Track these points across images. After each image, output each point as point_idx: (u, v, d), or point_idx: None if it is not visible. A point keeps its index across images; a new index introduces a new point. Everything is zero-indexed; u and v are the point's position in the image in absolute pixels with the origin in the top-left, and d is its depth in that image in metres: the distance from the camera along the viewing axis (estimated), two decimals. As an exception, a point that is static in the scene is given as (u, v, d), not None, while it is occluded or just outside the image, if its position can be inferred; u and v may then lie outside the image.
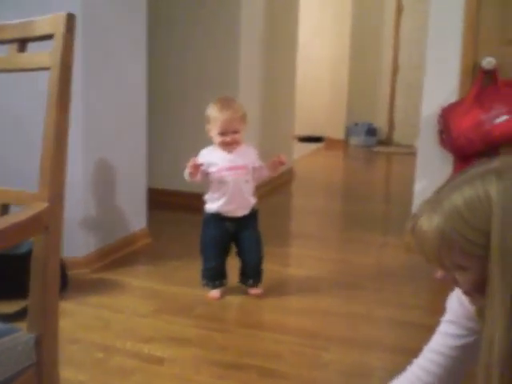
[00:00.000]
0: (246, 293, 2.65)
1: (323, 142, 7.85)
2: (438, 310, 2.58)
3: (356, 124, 7.80)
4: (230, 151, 2.51)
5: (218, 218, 2.56)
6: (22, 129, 2.78)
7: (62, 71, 1.04)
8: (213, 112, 2.48)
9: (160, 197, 4.02)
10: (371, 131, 7.78)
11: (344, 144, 7.78)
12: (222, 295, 2.61)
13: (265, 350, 2.14)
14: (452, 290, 1.41)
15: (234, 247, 2.67)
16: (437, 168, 3.39)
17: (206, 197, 2.60)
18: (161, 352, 2.08)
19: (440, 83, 3.32)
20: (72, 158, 2.72)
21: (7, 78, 2.39)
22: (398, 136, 7.79)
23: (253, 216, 2.64)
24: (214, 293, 2.60)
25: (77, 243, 2.84)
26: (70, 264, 2.72)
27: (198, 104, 4.14)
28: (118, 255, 3.08)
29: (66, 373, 1.90)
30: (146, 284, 2.78)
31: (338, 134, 7.77)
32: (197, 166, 2.45)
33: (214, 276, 2.61)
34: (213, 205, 2.56)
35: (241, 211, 2.57)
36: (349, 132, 7.84)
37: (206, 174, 2.52)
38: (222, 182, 2.51)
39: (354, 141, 7.80)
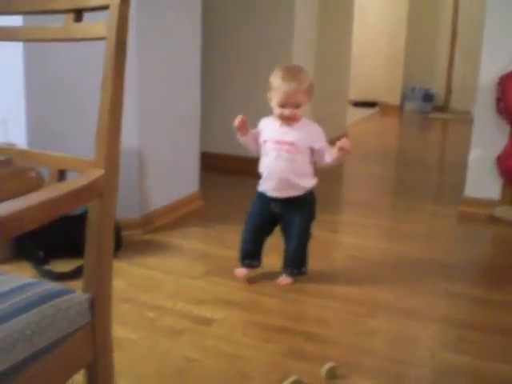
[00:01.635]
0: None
1: (378, 107, 7.75)
2: (486, 282, 2.60)
3: (412, 89, 7.66)
4: (288, 124, 2.32)
5: (264, 196, 2.40)
6: (78, 98, 2.84)
7: (118, 42, 1.07)
8: (275, 80, 2.26)
9: (213, 161, 4.06)
10: (428, 97, 7.64)
11: (399, 110, 7.67)
12: (250, 276, 2.46)
13: (311, 316, 2.17)
14: None
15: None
16: (493, 137, 3.33)
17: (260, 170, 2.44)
18: (210, 313, 2.13)
19: (499, 50, 3.23)
20: (127, 123, 2.79)
21: (63, 47, 2.44)
22: (455, 102, 7.63)
23: (303, 200, 2.39)
24: (239, 271, 2.47)
25: (131, 205, 2.91)
26: (124, 225, 2.78)
27: (253, 68, 4.16)
28: (171, 217, 3.15)
29: (117, 331, 1.95)
30: (197, 246, 2.84)
31: (394, 99, 7.66)
32: (244, 122, 2.30)
33: (246, 254, 2.47)
34: (261, 183, 2.41)
35: (285, 192, 2.36)
36: (404, 97, 7.72)
37: (257, 142, 2.39)
38: (265, 154, 2.35)
39: (410, 106, 7.68)
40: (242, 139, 2.38)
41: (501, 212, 3.32)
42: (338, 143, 2.25)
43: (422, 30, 7.56)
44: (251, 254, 2.46)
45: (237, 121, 2.30)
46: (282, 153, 2.30)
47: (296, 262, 2.42)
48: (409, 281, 2.52)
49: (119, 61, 1.07)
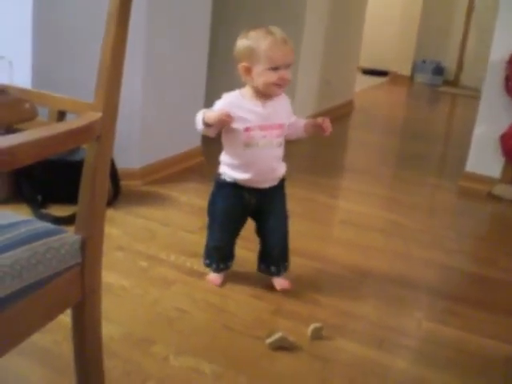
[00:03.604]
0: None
1: (388, 76, 7.69)
2: (480, 257, 2.61)
3: (424, 61, 7.59)
4: (265, 101, 1.90)
5: (234, 186, 1.98)
6: (86, 44, 2.81)
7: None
8: (261, 42, 1.83)
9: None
10: (439, 70, 7.57)
11: (409, 81, 7.62)
12: (224, 282, 2.10)
13: (301, 277, 2.19)
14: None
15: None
16: (498, 114, 3.32)
17: (222, 158, 2.02)
18: (202, 267, 2.15)
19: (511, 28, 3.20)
20: (132, 75, 2.79)
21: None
22: (465, 78, 7.57)
23: (281, 186, 2.04)
24: (215, 277, 2.09)
25: (132, 155, 2.92)
26: (124, 175, 2.79)
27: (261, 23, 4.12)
28: (171, 171, 3.15)
29: (109, 278, 2.01)
30: (195, 201, 2.85)
31: (404, 69, 7.60)
32: (228, 119, 1.84)
33: (219, 257, 2.08)
34: (232, 172, 1.97)
35: (268, 183, 1.99)
36: (415, 69, 7.65)
37: (228, 130, 1.91)
38: (249, 145, 1.90)
39: (420, 78, 7.62)
40: (206, 130, 1.93)
41: (500, 190, 3.32)
42: (320, 119, 1.92)
43: (438, 2, 7.45)
44: (226, 256, 2.10)
45: (224, 116, 1.84)
46: (272, 139, 1.92)
47: (285, 258, 2.09)
48: (402, 250, 2.53)
49: (123, 4, 1.06)
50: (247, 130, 1.88)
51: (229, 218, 2.02)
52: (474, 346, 1.88)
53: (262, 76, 1.84)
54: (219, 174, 2.02)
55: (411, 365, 1.75)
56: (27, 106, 0.87)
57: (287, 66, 1.86)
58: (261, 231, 2.07)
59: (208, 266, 2.09)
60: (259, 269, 2.11)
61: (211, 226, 2.07)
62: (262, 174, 1.95)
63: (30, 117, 0.89)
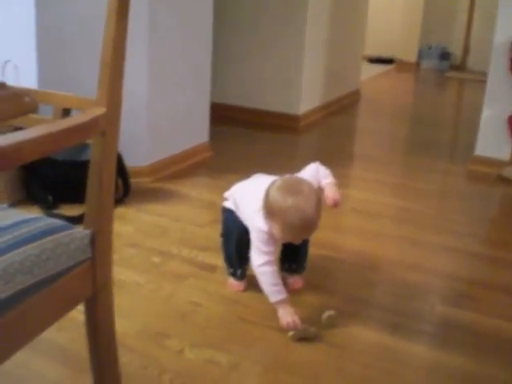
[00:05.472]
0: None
1: (394, 63, 7.66)
2: (492, 240, 2.61)
3: (429, 47, 7.55)
4: None
5: None
6: (85, 42, 2.82)
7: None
8: (285, 213, 1.72)
9: (224, 112, 4.05)
10: (445, 55, 7.52)
11: (415, 67, 7.57)
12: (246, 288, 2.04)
13: (313, 266, 2.19)
14: None
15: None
16: (505, 97, 3.30)
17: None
18: (214, 260, 2.16)
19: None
20: (138, 71, 2.80)
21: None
22: (472, 62, 7.51)
23: None
24: (237, 284, 2.04)
25: (141, 153, 2.93)
26: (133, 172, 2.80)
27: (266, 22, 4.12)
28: (180, 167, 3.16)
29: (123, 274, 2.02)
30: (205, 196, 2.86)
31: (410, 56, 7.56)
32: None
33: (239, 265, 2.02)
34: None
35: None
36: (421, 55, 7.61)
37: None
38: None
39: (426, 64, 7.58)
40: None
41: (509, 172, 3.30)
42: (331, 202, 1.89)
43: (442, -13, 7.41)
44: (244, 263, 2.01)
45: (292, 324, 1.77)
46: None
47: (305, 255, 2.09)
48: (413, 236, 2.53)
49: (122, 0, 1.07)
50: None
51: (241, 235, 1.94)
52: (489, 327, 1.87)
53: (274, 231, 1.78)
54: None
55: (426, 349, 1.75)
56: (27, 99, 0.87)
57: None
58: None
59: (233, 274, 2.03)
60: (283, 267, 2.04)
61: (227, 246, 2.02)
62: None
63: (30, 110, 0.89)
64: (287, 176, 1.85)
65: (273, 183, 1.80)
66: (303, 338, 1.74)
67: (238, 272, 2.02)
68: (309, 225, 1.75)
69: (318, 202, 1.76)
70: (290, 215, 1.71)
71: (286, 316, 1.77)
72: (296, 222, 1.72)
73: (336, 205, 1.88)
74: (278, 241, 1.87)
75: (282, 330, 1.76)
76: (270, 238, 1.81)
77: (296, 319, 1.76)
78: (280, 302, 1.80)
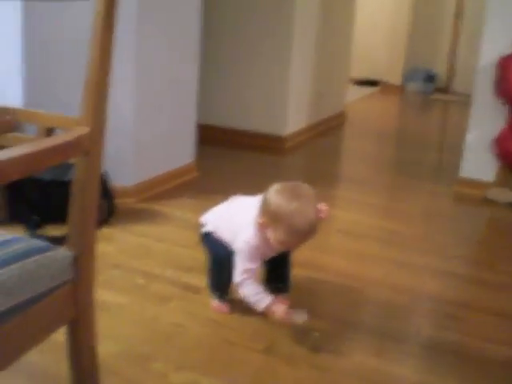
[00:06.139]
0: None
1: (379, 86, 7.72)
2: (478, 261, 2.61)
3: (414, 69, 7.62)
4: None
5: None
6: (71, 57, 2.82)
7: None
8: (291, 219, 1.76)
9: (210, 133, 4.05)
10: (430, 77, 7.60)
11: (400, 89, 7.63)
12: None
13: (299, 287, 2.18)
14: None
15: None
16: (490, 119, 3.33)
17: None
18: (198, 281, 2.14)
19: (500, 32, 3.22)
20: (123, 91, 2.80)
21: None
22: (457, 84, 7.59)
23: None
24: (222, 306, 2.00)
25: (126, 173, 2.91)
26: (118, 193, 2.79)
27: (252, 42, 4.14)
28: (165, 187, 3.15)
29: (106, 296, 1.99)
30: (190, 216, 2.84)
31: (395, 78, 7.62)
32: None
33: (226, 288, 2.00)
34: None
35: None
36: (406, 77, 7.67)
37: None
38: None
39: (412, 87, 7.64)
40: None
41: (493, 194, 3.32)
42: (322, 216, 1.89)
43: (426, 10, 7.49)
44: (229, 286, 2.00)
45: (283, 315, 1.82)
46: None
47: (289, 277, 2.10)
48: (399, 257, 2.52)
49: (108, 19, 1.06)
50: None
51: (228, 260, 1.90)
52: (475, 349, 1.87)
53: (272, 237, 1.81)
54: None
55: (412, 372, 1.74)
56: (7, 117, 0.87)
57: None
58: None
59: (220, 297, 2.00)
60: (269, 287, 1.96)
61: (215, 270, 2.00)
62: None
63: (10, 129, 0.88)
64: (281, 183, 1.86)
65: (269, 190, 1.84)
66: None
67: (225, 294, 2.01)
68: (313, 227, 1.81)
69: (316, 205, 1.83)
70: (296, 218, 1.76)
71: (279, 309, 1.81)
72: (302, 225, 1.77)
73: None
74: (264, 255, 1.90)
75: (267, 352, 1.74)
76: (257, 252, 1.85)
77: (289, 311, 1.81)
78: (269, 306, 1.82)
